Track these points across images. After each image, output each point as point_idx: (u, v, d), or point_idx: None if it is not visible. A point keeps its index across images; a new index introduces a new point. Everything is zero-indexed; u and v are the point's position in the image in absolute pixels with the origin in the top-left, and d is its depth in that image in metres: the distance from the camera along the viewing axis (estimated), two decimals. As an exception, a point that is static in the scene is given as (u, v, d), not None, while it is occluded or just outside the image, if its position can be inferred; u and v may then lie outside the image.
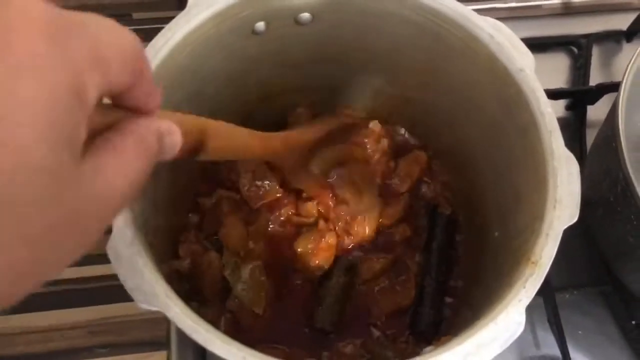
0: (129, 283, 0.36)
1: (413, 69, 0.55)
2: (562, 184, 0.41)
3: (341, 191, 0.59)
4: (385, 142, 0.62)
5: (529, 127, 0.44)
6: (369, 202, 0.59)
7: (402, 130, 0.64)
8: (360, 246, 0.59)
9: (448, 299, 0.57)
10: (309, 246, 0.56)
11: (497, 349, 0.36)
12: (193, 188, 0.59)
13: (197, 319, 0.36)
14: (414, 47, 0.52)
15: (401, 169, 0.61)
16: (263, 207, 0.59)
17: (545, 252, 0.39)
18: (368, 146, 0.62)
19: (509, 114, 0.47)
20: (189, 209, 0.59)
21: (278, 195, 0.60)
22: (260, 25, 0.50)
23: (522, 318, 0.37)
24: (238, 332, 0.54)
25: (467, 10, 0.48)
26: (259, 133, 0.45)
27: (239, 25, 0.49)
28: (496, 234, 0.51)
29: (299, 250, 0.56)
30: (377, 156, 0.62)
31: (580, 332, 0.64)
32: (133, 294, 0.36)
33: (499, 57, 0.46)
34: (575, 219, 0.41)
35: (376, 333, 0.55)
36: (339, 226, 0.58)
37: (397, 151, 0.63)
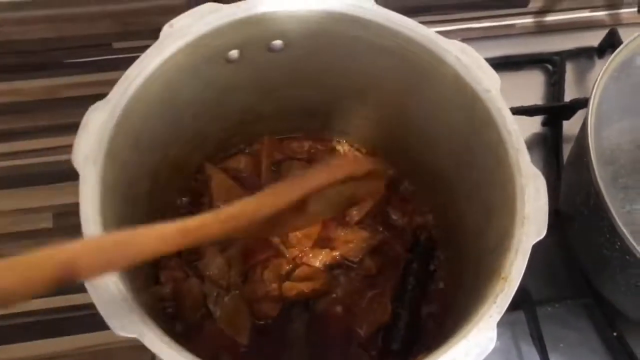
0: (105, 310, 0.36)
1: (384, 91, 0.57)
2: (530, 201, 0.42)
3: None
4: None
5: (497, 146, 0.46)
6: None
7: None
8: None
9: (430, 311, 0.58)
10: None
11: (470, 365, 0.37)
12: (171, 212, 0.60)
13: (173, 345, 0.36)
14: (384, 70, 0.54)
15: None
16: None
17: (515, 267, 0.40)
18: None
19: (478, 133, 0.48)
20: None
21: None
22: (234, 53, 0.51)
23: (493, 333, 0.38)
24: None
25: (434, 34, 0.49)
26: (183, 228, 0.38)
27: (212, 54, 0.50)
28: (472, 251, 0.51)
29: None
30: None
31: (562, 345, 0.65)
32: (109, 321, 0.36)
33: (466, 78, 0.47)
34: (542, 235, 0.41)
35: (361, 353, 0.55)
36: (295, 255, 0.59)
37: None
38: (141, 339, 0.36)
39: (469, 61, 0.47)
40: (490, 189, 0.47)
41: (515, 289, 0.40)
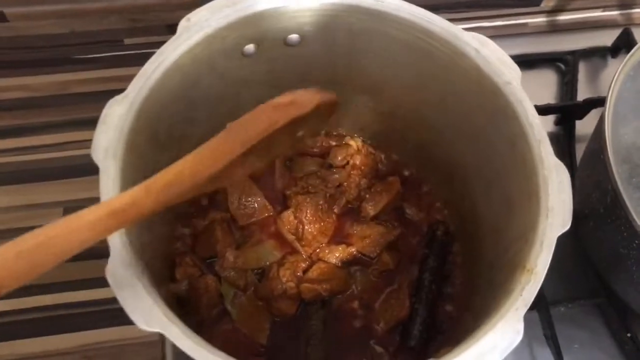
0: (128, 305, 0.36)
1: (402, 86, 0.56)
2: (553, 192, 0.42)
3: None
4: (357, 159, 0.63)
5: (517, 138, 0.45)
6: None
7: (382, 156, 0.65)
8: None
9: (448, 308, 0.57)
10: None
11: (497, 358, 0.36)
12: (186, 209, 0.59)
13: (198, 340, 0.36)
14: (402, 64, 0.53)
15: (373, 195, 0.61)
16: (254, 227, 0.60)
17: (540, 259, 0.40)
18: (339, 159, 0.63)
19: (498, 126, 0.47)
20: (182, 232, 0.59)
21: (267, 214, 0.60)
22: (250, 47, 0.51)
23: (520, 326, 0.38)
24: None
25: (454, 27, 0.49)
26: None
27: (229, 48, 0.49)
28: (490, 244, 0.51)
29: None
30: (347, 173, 0.62)
31: (576, 345, 0.64)
32: (132, 316, 0.36)
33: (486, 71, 0.47)
34: (567, 227, 0.41)
35: (379, 349, 0.55)
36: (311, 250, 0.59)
37: (376, 174, 0.64)
38: (165, 334, 0.35)
39: (489, 54, 0.47)
40: (511, 182, 0.47)
41: (542, 280, 0.39)
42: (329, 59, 0.55)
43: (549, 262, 0.40)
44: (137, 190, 0.36)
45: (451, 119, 0.54)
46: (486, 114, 0.48)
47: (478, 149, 0.52)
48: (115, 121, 0.42)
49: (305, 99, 0.43)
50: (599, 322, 0.66)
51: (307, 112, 0.42)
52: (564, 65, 0.82)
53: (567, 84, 0.80)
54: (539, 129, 0.44)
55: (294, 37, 0.52)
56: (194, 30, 0.46)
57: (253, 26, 0.49)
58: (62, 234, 0.32)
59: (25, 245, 0.31)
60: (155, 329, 0.36)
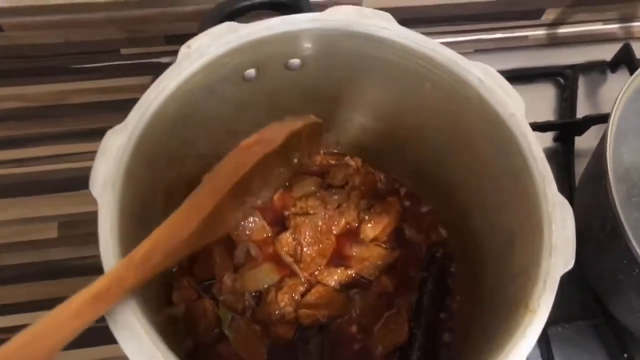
0: (128, 349, 0.35)
1: (402, 108, 0.56)
2: (557, 230, 0.42)
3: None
4: (357, 179, 0.62)
5: (521, 171, 0.45)
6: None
7: (382, 176, 0.64)
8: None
9: (445, 335, 0.57)
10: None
11: (500, 402, 0.36)
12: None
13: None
14: (403, 89, 0.53)
15: (372, 216, 0.61)
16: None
17: (543, 299, 0.39)
18: (338, 178, 0.62)
19: (501, 158, 0.47)
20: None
21: (265, 235, 0.60)
22: (251, 72, 0.50)
23: (523, 369, 0.37)
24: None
25: (456, 54, 0.49)
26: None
27: (229, 73, 0.49)
28: (492, 272, 0.51)
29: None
30: (347, 193, 0.61)
31: (572, 365, 0.64)
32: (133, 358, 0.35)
33: (490, 101, 0.46)
34: (570, 266, 0.41)
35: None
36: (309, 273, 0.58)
37: (375, 194, 0.63)
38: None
39: (493, 83, 0.47)
40: (513, 215, 0.47)
41: (544, 321, 0.39)
42: (330, 82, 0.55)
43: (552, 302, 0.39)
44: (117, 269, 0.36)
45: (453, 143, 0.53)
46: (489, 144, 0.48)
47: (480, 176, 0.51)
48: (114, 152, 0.41)
49: (273, 134, 0.44)
50: (596, 342, 0.66)
51: (276, 146, 0.43)
52: (563, 80, 0.82)
53: (567, 99, 0.80)
54: (543, 163, 0.43)
55: (295, 61, 0.51)
56: (194, 57, 0.46)
57: (254, 52, 0.48)
58: (48, 330, 0.33)
59: (10, 348, 0.32)
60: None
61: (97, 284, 0.35)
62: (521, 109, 0.46)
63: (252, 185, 0.44)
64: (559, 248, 0.41)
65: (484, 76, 0.47)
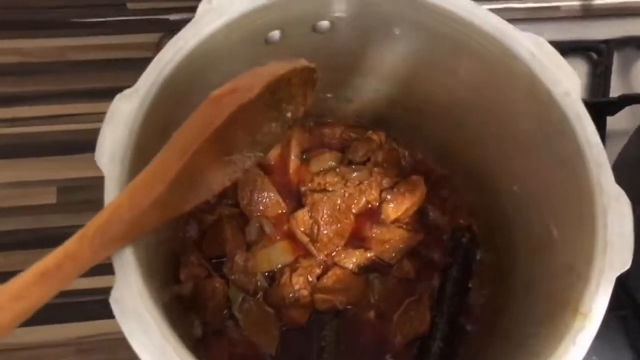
0: (136, 341, 0.32)
1: (436, 82, 0.51)
2: (612, 225, 0.37)
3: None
4: (379, 156, 0.58)
5: (572, 158, 0.40)
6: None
7: (406, 153, 0.60)
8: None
9: (468, 326, 0.54)
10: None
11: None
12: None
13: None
14: (439, 61, 0.48)
15: (395, 195, 0.57)
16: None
17: (596, 303, 0.36)
18: (360, 154, 0.58)
19: (549, 141, 0.43)
20: (188, 228, 0.54)
21: (280, 211, 0.56)
22: (275, 34, 0.45)
23: (572, 380, 0.34)
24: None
25: (504, 23, 0.44)
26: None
27: (251, 35, 0.44)
28: (527, 266, 0.47)
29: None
30: (369, 170, 0.57)
31: (594, 357, 0.61)
32: (141, 353, 0.31)
33: (541, 77, 0.42)
34: (628, 266, 0.37)
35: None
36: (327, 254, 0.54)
37: (398, 173, 0.59)
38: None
39: (545, 58, 0.42)
40: (557, 205, 0.43)
41: (597, 328, 0.35)
42: (357, 49, 0.50)
43: (606, 306, 0.36)
44: (68, 244, 0.32)
45: (490, 124, 0.49)
46: (536, 126, 0.43)
47: (519, 160, 0.47)
48: (123, 120, 0.37)
49: (250, 81, 0.36)
50: (620, 334, 0.63)
51: (253, 96, 0.35)
52: (597, 55, 0.77)
53: (600, 76, 0.75)
54: (599, 150, 0.39)
55: (324, 23, 0.46)
56: (216, 14, 0.41)
57: (282, 11, 0.43)
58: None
59: None
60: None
61: (45, 262, 0.31)
62: (576, 88, 0.41)
63: (234, 143, 0.38)
64: (615, 245, 0.37)
65: (536, 49, 0.42)
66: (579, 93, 0.41)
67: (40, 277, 0.31)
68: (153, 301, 0.33)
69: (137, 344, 0.32)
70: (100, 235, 0.32)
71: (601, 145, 0.40)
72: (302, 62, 0.38)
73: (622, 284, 0.60)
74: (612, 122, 0.71)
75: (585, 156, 0.39)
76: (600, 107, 0.71)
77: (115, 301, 0.33)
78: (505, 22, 0.44)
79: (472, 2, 0.44)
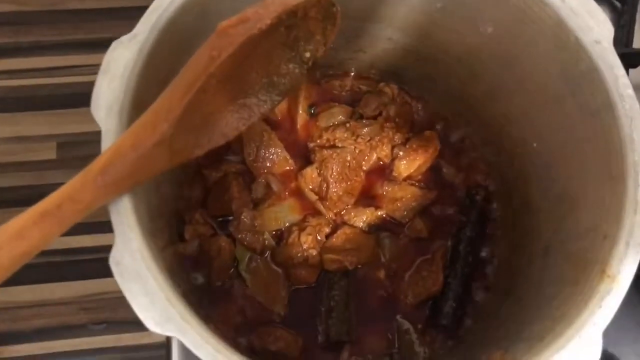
0: (137, 304, 0.30)
1: (454, 30, 0.48)
2: (644, 183, 0.35)
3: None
4: (392, 110, 0.55)
5: (601, 111, 0.38)
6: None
7: (420, 106, 0.57)
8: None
9: (481, 287, 0.52)
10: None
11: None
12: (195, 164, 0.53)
13: (218, 345, 0.30)
14: (462, 7, 0.45)
15: (408, 152, 0.54)
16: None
17: (625, 265, 0.34)
18: (371, 108, 0.56)
19: (577, 93, 0.40)
20: (193, 184, 0.52)
21: (288, 167, 0.54)
22: (283, -24, 0.42)
23: (598, 344, 0.32)
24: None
25: (532, -35, 0.40)
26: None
27: (258, -23, 0.41)
28: (546, 225, 0.45)
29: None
30: (380, 125, 0.55)
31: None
32: (142, 315, 0.30)
33: (570, 25, 0.39)
34: (660, 227, 0.35)
35: (406, 324, 0.50)
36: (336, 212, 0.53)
37: (411, 128, 0.56)
38: (182, 339, 0.29)
39: (576, 3, 0.39)
40: (583, 160, 0.40)
41: (625, 291, 0.33)
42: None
43: (635, 269, 0.34)
44: (70, 183, 0.30)
45: (514, 75, 0.46)
46: (562, 76, 0.40)
47: (545, 114, 0.44)
48: (120, 70, 0.34)
49: (260, 12, 0.33)
50: (636, 296, 0.61)
51: (264, 27, 0.33)
52: (620, 4, 0.73)
53: (623, 27, 0.71)
54: (633, 102, 0.36)
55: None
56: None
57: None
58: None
59: None
60: (169, 334, 0.30)
61: (45, 202, 0.30)
62: (609, 36, 0.38)
63: (248, 84, 0.35)
64: (646, 205, 0.35)
65: (566, -7, 0.39)
66: (611, 41, 0.38)
67: (40, 216, 0.29)
68: (154, 261, 0.31)
69: (139, 308, 0.30)
70: (103, 176, 0.31)
71: (634, 97, 0.37)
72: None
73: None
74: (634, 74, 0.68)
75: (616, 108, 0.37)
76: (623, 58, 0.67)
77: (116, 263, 0.31)
78: (533, -36, 0.40)
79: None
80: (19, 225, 0.29)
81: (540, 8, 0.40)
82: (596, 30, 0.38)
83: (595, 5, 0.39)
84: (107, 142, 0.33)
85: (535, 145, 0.47)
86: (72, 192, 0.30)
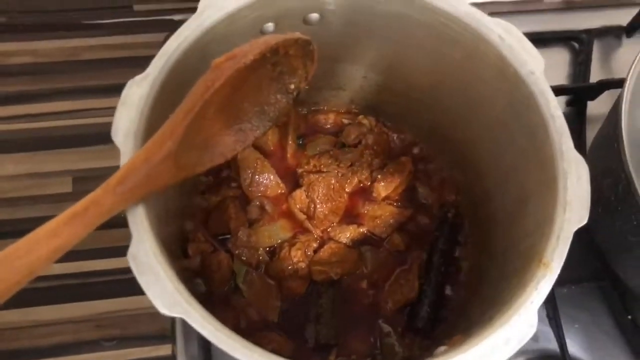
0: (150, 290, 0.36)
1: (420, 68, 0.56)
2: (572, 186, 0.42)
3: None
4: (370, 139, 0.63)
5: (538, 129, 0.45)
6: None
7: (395, 136, 0.65)
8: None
9: (454, 292, 0.58)
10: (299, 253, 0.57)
11: (510, 351, 0.37)
12: (199, 186, 0.60)
13: (218, 326, 0.37)
14: (422, 48, 0.53)
15: (385, 175, 0.61)
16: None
17: (557, 253, 0.40)
18: (352, 137, 0.63)
19: (518, 116, 0.47)
20: (195, 208, 0.59)
21: (279, 191, 0.60)
22: (269, 26, 0.50)
23: (534, 319, 0.38)
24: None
25: (478, 12, 0.48)
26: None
27: (248, 27, 0.49)
28: (503, 232, 0.51)
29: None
30: (360, 152, 0.62)
31: (577, 325, 0.65)
32: (154, 301, 0.36)
33: (510, 59, 0.46)
34: (584, 222, 0.41)
35: (387, 328, 0.56)
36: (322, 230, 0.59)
37: (388, 154, 0.64)
38: (187, 319, 0.36)
39: (513, 41, 0.46)
40: (528, 173, 0.47)
41: (557, 274, 0.40)
42: (347, 39, 0.55)
43: (565, 256, 0.40)
44: (95, 192, 0.38)
45: (469, 103, 0.53)
46: (507, 102, 0.48)
47: (495, 136, 0.52)
48: (135, 102, 0.42)
49: (246, 50, 0.41)
50: (600, 304, 0.67)
51: (248, 61, 0.40)
52: (578, 45, 0.81)
53: (581, 64, 0.79)
54: (561, 121, 0.44)
55: (314, 16, 0.51)
56: (215, 8, 0.45)
57: (274, 5, 0.48)
58: (22, 250, 0.35)
59: None
60: (177, 315, 0.36)
61: (75, 206, 0.37)
62: (540, 67, 0.46)
63: (242, 112, 0.43)
64: (573, 204, 0.41)
65: (505, 33, 0.46)
66: (542, 72, 0.45)
67: (70, 218, 0.36)
68: (164, 257, 0.38)
69: (152, 294, 0.37)
70: (120, 185, 0.38)
71: (562, 117, 0.44)
72: (295, 34, 0.43)
73: (603, 258, 0.65)
74: (592, 107, 0.76)
75: (548, 127, 0.44)
76: (581, 92, 0.76)
77: (133, 257, 0.37)
78: (479, 12, 0.48)
79: (451, -6, 0.49)
80: (54, 225, 0.36)
81: (484, 46, 0.47)
82: (530, 63, 0.46)
83: (529, 43, 0.47)
84: (124, 160, 0.40)
85: (493, 162, 0.54)
86: (96, 198, 0.38)
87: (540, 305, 0.61)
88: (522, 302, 0.39)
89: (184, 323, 0.49)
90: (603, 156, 0.61)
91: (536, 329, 0.62)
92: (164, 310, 0.36)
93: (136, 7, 0.78)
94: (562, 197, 0.42)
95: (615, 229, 0.59)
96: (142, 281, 0.37)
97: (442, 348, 0.41)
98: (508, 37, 0.46)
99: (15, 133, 0.73)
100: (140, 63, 0.45)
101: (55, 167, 0.73)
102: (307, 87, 0.47)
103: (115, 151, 0.41)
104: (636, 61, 0.56)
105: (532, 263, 0.41)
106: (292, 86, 0.45)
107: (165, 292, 0.37)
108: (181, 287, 0.37)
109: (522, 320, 0.38)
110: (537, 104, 0.45)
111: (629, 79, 0.55)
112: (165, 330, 0.61)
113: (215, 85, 0.39)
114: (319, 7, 0.50)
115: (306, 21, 0.52)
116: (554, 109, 0.44)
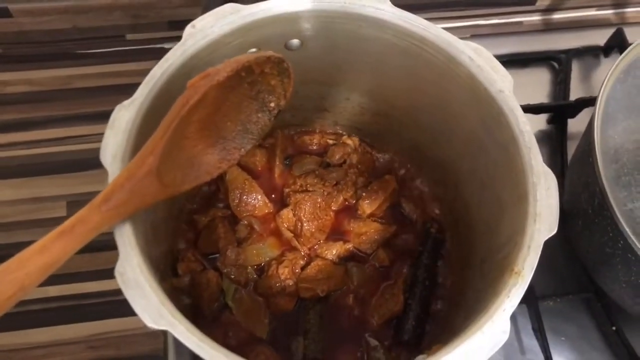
0: (136, 304, 0.38)
1: (397, 89, 0.58)
2: (542, 198, 0.44)
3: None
4: (354, 158, 0.65)
5: (509, 144, 0.47)
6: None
7: (379, 155, 0.67)
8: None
9: (439, 304, 0.60)
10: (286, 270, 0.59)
11: (484, 357, 0.39)
12: (188, 206, 0.61)
13: (202, 337, 0.38)
14: (398, 69, 0.55)
15: (369, 193, 0.63)
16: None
17: (528, 262, 0.42)
18: (336, 157, 0.65)
19: (490, 132, 0.49)
20: (185, 228, 0.61)
21: (267, 211, 0.62)
22: (252, 51, 0.52)
23: (507, 326, 0.40)
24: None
25: (448, 35, 0.51)
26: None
27: (232, 53, 0.51)
28: (482, 244, 0.53)
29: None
30: (345, 171, 0.64)
31: (563, 338, 0.66)
32: (141, 314, 0.38)
33: (480, 78, 0.48)
34: (554, 231, 0.43)
35: (373, 342, 0.57)
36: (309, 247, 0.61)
37: (372, 173, 0.66)
38: (172, 332, 0.37)
39: (483, 62, 0.49)
40: (502, 186, 0.49)
41: (528, 282, 0.41)
42: (328, 63, 0.57)
43: (536, 264, 0.42)
44: (81, 211, 0.40)
45: (445, 122, 0.56)
46: (479, 120, 0.50)
47: (471, 152, 0.54)
48: (122, 126, 0.44)
49: (219, 69, 0.43)
50: (585, 316, 0.68)
51: (222, 79, 0.42)
52: (557, 64, 0.84)
53: (560, 83, 0.82)
54: (530, 136, 0.46)
55: (294, 42, 0.53)
56: (199, 36, 0.48)
57: (256, 32, 0.50)
58: (13, 266, 0.37)
59: None
60: (163, 327, 0.38)
61: (63, 225, 0.39)
62: (509, 86, 0.48)
63: (224, 130, 0.45)
64: (542, 215, 0.43)
65: (475, 55, 0.49)
66: (511, 90, 0.48)
67: (58, 235, 0.38)
68: (150, 273, 0.40)
69: (138, 308, 0.38)
70: (106, 203, 0.40)
71: (531, 132, 0.46)
72: (268, 52, 0.45)
73: (586, 270, 0.66)
74: (572, 124, 0.78)
75: (518, 142, 0.46)
76: (561, 109, 0.78)
77: (120, 273, 0.39)
78: (451, 35, 0.51)
79: (419, 18, 0.51)
80: (42, 243, 0.38)
81: (456, 67, 0.50)
82: (499, 81, 0.48)
83: (497, 63, 0.49)
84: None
85: (471, 178, 0.56)
86: (82, 217, 0.39)
87: (526, 318, 0.65)
88: (494, 310, 0.40)
89: (176, 342, 0.51)
90: (581, 171, 0.63)
91: (524, 343, 0.65)
92: (151, 323, 0.38)
93: (128, 36, 0.80)
94: (532, 209, 0.44)
95: (594, 241, 0.61)
96: (129, 295, 0.38)
97: (421, 357, 0.42)
98: (477, 57, 0.49)
99: (11, 160, 0.75)
100: (132, 90, 0.47)
101: (50, 192, 0.75)
102: (286, 105, 0.49)
103: (107, 175, 0.43)
104: (606, 80, 0.59)
105: (505, 272, 0.43)
106: (272, 104, 0.47)
107: (151, 306, 0.38)
108: (166, 301, 0.39)
109: (495, 326, 0.40)
110: (507, 121, 0.47)
111: (599, 97, 0.58)
112: (159, 350, 0.62)
113: (190, 102, 0.41)
114: (298, 33, 0.52)
115: (288, 47, 0.54)
116: (523, 124, 0.46)
